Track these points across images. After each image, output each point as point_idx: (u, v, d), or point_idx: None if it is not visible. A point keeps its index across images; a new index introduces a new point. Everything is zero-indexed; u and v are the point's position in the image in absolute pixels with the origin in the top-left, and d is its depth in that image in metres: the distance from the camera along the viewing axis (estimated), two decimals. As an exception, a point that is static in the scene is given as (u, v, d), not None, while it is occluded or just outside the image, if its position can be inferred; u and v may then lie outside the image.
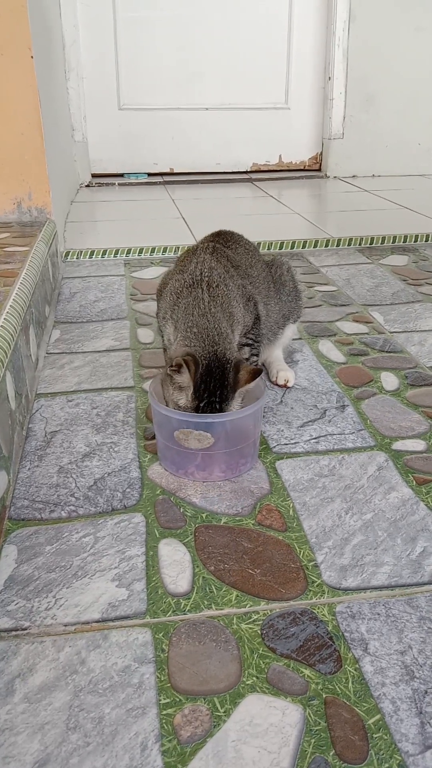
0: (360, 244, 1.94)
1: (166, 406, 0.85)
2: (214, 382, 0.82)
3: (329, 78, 2.89)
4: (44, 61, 1.79)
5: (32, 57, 1.51)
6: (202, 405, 0.82)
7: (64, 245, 1.85)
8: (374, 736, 0.53)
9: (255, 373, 0.83)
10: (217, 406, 0.82)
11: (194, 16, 2.78)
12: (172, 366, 0.81)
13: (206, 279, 0.91)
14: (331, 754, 0.52)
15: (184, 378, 0.82)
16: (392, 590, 0.67)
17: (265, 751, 0.52)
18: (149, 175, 2.96)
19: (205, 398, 0.82)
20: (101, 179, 2.88)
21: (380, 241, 1.95)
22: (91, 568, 0.70)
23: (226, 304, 0.91)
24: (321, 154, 3.06)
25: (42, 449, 0.93)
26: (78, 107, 2.73)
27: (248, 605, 0.66)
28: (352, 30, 2.81)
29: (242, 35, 2.83)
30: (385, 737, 0.53)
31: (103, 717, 0.55)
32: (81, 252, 1.82)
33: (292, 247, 1.90)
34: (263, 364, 1.16)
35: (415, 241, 1.96)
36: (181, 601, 0.66)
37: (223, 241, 1.06)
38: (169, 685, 0.57)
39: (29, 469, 0.88)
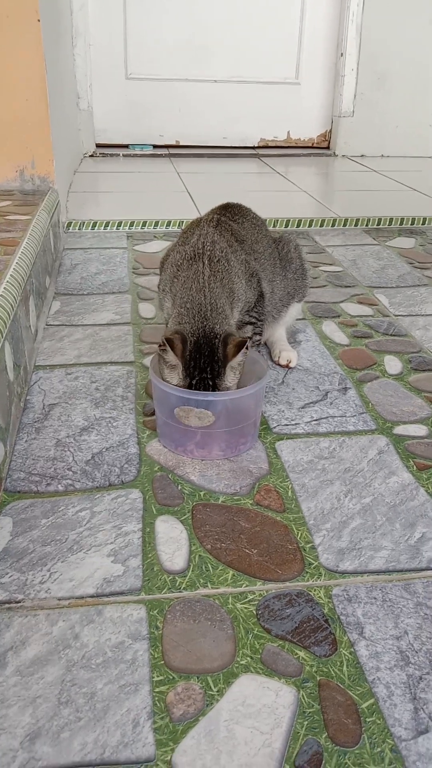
0: (367, 225, 1.91)
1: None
2: (204, 359, 0.80)
3: (341, 54, 2.84)
4: (51, 26, 1.75)
5: (39, 21, 1.47)
6: (194, 382, 0.81)
7: (66, 215, 1.83)
8: (367, 720, 0.53)
9: (240, 345, 0.80)
10: (210, 383, 0.81)
11: (206, -16, 2.71)
12: (161, 345, 0.80)
13: (208, 253, 0.90)
14: (323, 736, 0.51)
15: (172, 357, 0.80)
16: (389, 575, 0.67)
17: (258, 731, 0.52)
18: (154, 147, 2.91)
19: (197, 375, 0.80)
20: (106, 149, 2.83)
21: (387, 223, 1.92)
22: (87, 543, 0.70)
23: (227, 279, 0.89)
24: (330, 131, 3.01)
25: (40, 422, 0.92)
26: (84, 75, 2.68)
27: (244, 585, 0.65)
28: (367, 5, 2.74)
29: (254, 6, 2.77)
30: (378, 721, 0.53)
31: (95, 692, 0.54)
32: (83, 223, 1.80)
33: (298, 226, 1.88)
34: (266, 344, 1.15)
35: (423, 223, 1.94)
36: (177, 578, 0.66)
37: (229, 214, 1.04)
38: (162, 662, 0.57)
39: (26, 441, 0.87)
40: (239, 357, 0.81)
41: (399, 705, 0.54)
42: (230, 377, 0.82)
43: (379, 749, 0.51)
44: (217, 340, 0.81)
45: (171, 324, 0.86)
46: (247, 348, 0.81)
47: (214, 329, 0.82)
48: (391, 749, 0.51)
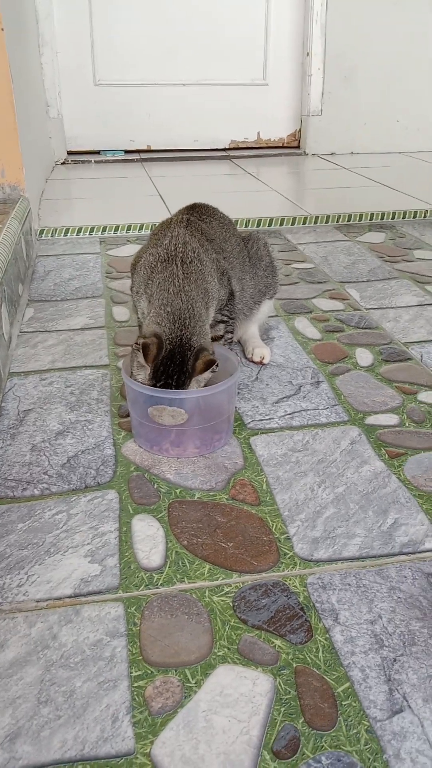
0: (337, 222, 1.93)
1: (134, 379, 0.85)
2: (174, 367, 0.82)
3: (307, 54, 2.86)
4: (16, 35, 1.75)
5: (2, 29, 1.47)
6: (158, 385, 0.82)
7: (39, 223, 1.83)
8: (343, 703, 0.54)
9: (208, 364, 0.82)
10: (173, 388, 0.82)
11: (170, -12, 2.72)
12: (137, 343, 0.81)
13: (180, 254, 0.91)
14: (300, 721, 0.52)
15: (143, 360, 0.82)
16: (363, 561, 0.68)
17: (235, 720, 0.52)
18: (126, 152, 2.92)
19: (162, 380, 0.82)
20: (77, 156, 2.84)
21: (358, 219, 1.94)
22: (64, 545, 0.70)
23: (201, 280, 0.90)
24: (299, 131, 3.03)
25: (15, 428, 0.92)
26: (52, 83, 2.68)
27: (221, 578, 0.66)
28: (330, 4, 2.77)
29: (219, 9, 2.78)
30: (354, 704, 0.54)
31: (74, 690, 0.55)
32: (56, 230, 1.80)
33: (270, 225, 1.89)
34: (239, 341, 1.16)
35: (393, 218, 1.96)
36: (154, 575, 0.66)
37: (197, 214, 1.04)
38: (140, 657, 0.58)
39: (1, 447, 0.87)
40: (206, 374, 0.82)
41: (374, 687, 0.55)
42: (192, 388, 0.83)
43: (355, 731, 0.52)
44: (190, 353, 0.82)
45: (149, 322, 0.87)
46: (214, 368, 0.82)
47: (191, 340, 0.83)
48: (366, 730, 0.52)
